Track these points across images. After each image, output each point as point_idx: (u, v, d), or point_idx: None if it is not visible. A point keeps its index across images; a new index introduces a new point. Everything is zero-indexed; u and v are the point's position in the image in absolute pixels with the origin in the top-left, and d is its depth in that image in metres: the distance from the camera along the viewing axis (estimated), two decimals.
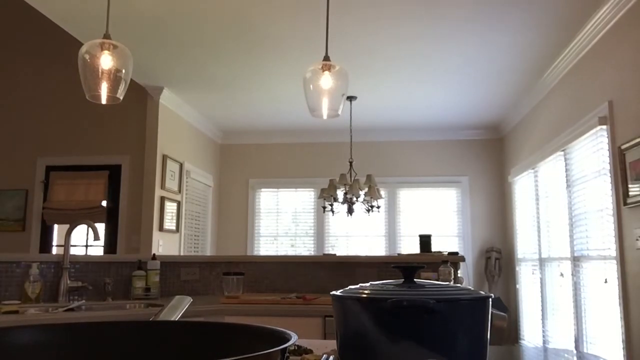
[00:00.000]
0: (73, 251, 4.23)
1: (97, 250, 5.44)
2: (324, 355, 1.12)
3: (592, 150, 4.08)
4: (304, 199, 7.18)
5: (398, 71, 4.90)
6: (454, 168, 7.00)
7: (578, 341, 4.34)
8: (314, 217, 7.11)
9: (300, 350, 1.23)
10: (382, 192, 6.89)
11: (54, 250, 5.47)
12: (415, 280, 0.93)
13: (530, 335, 5.81)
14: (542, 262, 5.34)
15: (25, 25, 5.68)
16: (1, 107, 5.64)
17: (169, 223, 5.59)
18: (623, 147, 3.48)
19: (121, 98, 2.26)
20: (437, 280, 2.36)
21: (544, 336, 5.29)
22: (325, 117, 2.35)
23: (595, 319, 4.05)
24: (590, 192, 4.13)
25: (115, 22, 3.95)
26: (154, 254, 3.03)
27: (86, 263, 2.96)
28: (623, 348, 3.54)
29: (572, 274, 4.44)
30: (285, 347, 0.64)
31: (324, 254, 4.96)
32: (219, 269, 3.17)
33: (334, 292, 0.92)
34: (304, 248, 7.07)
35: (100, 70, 2.18)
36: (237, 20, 3.92)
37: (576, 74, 4.38)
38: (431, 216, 6.93)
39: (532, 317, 5.71)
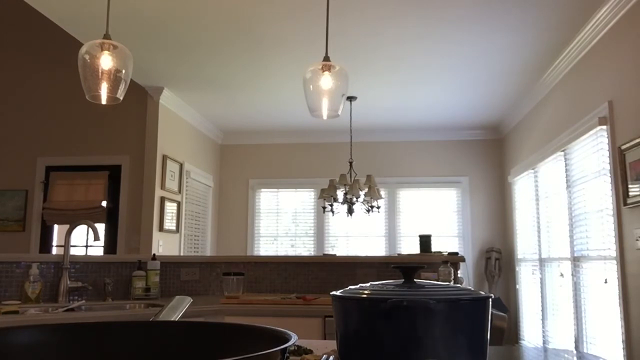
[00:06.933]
0: (73, 251, 4.24)
1: (97, 250, 5.43)
2: (324, 356, 1.11)
3: (592, 151, 4.07)
4: (304, 199, 7.18)
5: (398, 71, 4.90)
6: (454, 168, 7.00)
7: (578, 341, 4.34)
8: (314, 217, 7.11)
9: (300, 351, 1.22)
10: (382, 193, 6.89)
11: (54, 251, 5.47)
12: (415, 280, 0.93)
13: (530, 336, 5.81)
14: (542, 262, 5.34)
15: (25, 26, 5.68)
16: (1, 107, 5.64)
17: (169, 223, 5.59)
18: (623, 147, 3.48)
19: (121, 98, 2.26)
20: (437, 281, 2.36)
21: (544, 336, 5.29)
22: (325, 117, 2.35)
23: (595, 319, 4.05)
24: (590, 192, 4.13)
25: (115, 22, 3.95)
26: (154, 254, 3.03)
27: (86, 263, 2.96)
28: (623, 348, 3.54)
29: (572, 274, 4.44)
30: (285, 347, 0.64)
31: (324, 254, 4.96)
32: (219, 269, 3.18)
33: (334, 292, 0.92)
34: (304, 248, 7.07)
35: (100, 71, 2.18)
36: (237, 21, 3.92)
37: (576, 74, 4.38)
38: (431, 216, 6.93)
39: (532, 317, 5.71)
